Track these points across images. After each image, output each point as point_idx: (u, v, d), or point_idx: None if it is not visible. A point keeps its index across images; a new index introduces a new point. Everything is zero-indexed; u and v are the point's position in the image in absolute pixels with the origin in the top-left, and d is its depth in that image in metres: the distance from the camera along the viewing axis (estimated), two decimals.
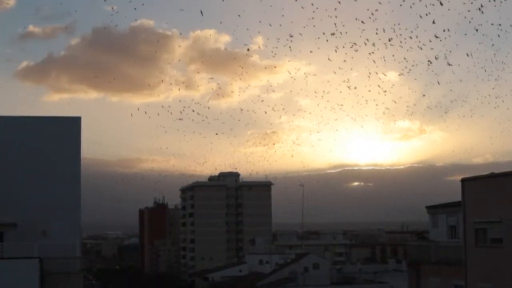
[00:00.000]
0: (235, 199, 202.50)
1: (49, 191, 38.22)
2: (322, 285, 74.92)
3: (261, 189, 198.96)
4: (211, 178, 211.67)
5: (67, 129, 39.59)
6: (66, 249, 34.96)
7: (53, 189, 38.36)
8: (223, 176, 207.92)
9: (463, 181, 39.11)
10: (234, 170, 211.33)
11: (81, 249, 37.62)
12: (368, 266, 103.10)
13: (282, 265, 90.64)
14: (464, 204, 38.95)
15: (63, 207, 37.99)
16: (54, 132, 39.49)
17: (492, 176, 38.08)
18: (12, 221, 36.11)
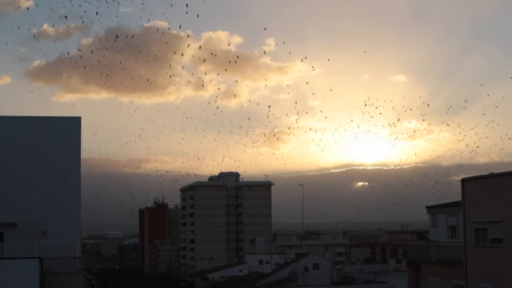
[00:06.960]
0: (235, 199, 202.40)
1: (49, 191, 38.19)
2: (322, 285, 74.91)
3: (261, 189, 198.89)
4: (211, 178, 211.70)
5: (67, 129, 39.54)
6: (66, 249, 34.94)
7: (53, 189, 38.32)
8: (223, 176, 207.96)
9: (463, 181, 39.04)
10: (235, 170, 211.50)
11: (81, 249, 37.57)
12: (368, 266, 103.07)
13: (282, 265, 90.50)
14: (464, 204, 38.91)
15: (63, 207, 37.96)
16: (54, 132, 39.42)
17: (492, 176, 38.04)
18: (12, 221, 36.12)
